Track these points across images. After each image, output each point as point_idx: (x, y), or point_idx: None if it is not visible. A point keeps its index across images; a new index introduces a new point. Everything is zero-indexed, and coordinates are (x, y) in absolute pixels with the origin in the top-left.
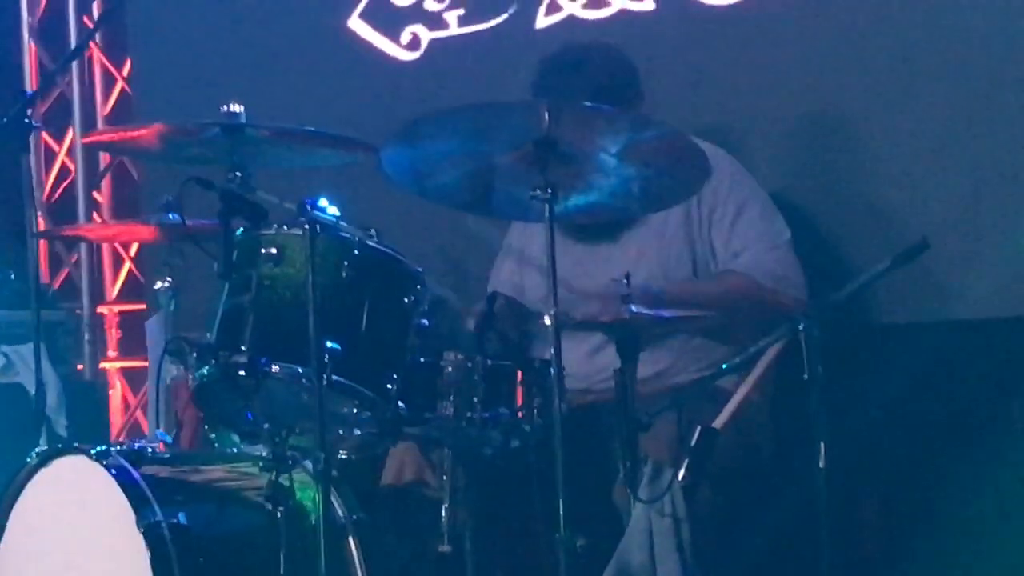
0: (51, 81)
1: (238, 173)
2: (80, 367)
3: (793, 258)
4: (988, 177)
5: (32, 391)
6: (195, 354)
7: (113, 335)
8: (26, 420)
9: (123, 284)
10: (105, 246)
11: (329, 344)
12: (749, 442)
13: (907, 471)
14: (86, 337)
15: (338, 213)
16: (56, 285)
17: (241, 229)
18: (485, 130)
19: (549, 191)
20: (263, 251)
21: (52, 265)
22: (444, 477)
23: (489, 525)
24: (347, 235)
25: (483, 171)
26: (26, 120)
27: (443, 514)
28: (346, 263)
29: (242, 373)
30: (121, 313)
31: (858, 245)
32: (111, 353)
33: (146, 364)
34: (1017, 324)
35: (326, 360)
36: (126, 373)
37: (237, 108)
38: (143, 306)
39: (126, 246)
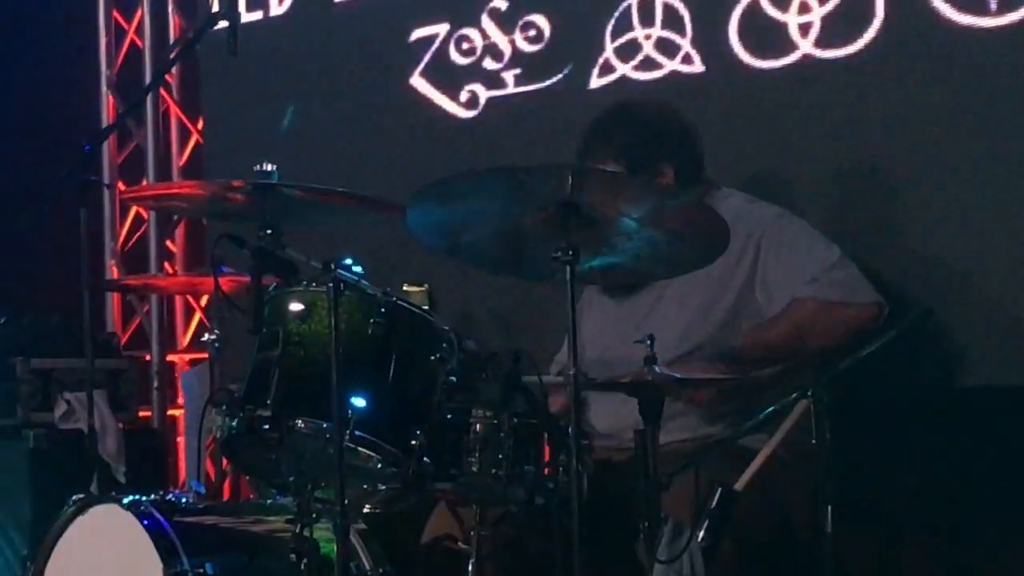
0: (123, 122)
1: (269, 231)
2: (142, 414)
3: (852, 269)
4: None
5: (96, 437)
6: (224, 407)
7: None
8: (86, 465)
9: (194, 333)
10: (178, 296)
11: (354, 400)
12: (776, 504)
13: (916, 537)
14: (155, 385)
15: (361, 271)
16: (128, 334)
17: (273, 285)
18: (512, 192)
19: (571, 253)
20: (291, 307)
21: (125, 314)
22: (471, 533)
23: None
24: (372, 293)
25: (511, 233)
26: (84, 175)
27: (470, 570)
28: (372, 320)
29: (266, 427)
30: (192, 362)
31: (898, 301)
32: (180, 401)
33: None
34: None
35: (349, 416)
36: None
37: (269, 167)
38: None
39: (196, 296)
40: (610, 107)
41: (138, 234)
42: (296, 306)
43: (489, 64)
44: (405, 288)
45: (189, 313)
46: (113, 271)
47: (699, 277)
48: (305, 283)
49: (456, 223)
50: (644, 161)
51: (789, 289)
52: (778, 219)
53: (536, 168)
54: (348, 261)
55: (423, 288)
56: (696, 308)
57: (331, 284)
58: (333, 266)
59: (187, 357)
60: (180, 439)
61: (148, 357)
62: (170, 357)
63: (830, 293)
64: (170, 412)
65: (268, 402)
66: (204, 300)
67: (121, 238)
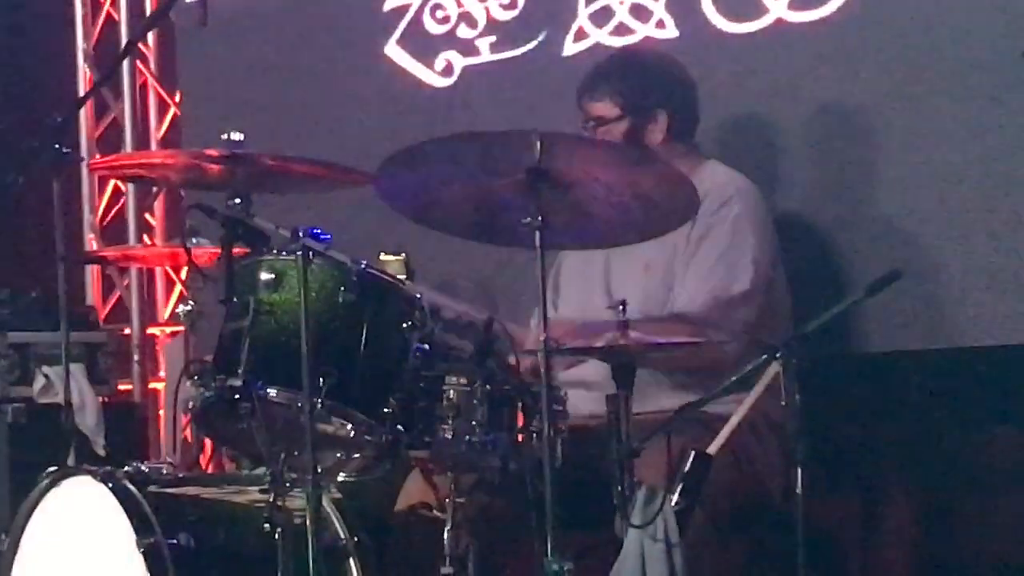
0: (97, 92)
1: (238, 199)
2: (123, 388)
3: (739, 311)
4: (1004, 202)
5: (72, 411)
6: (197, 378)
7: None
8: (63, 439)
9: (175, 306)
10: (159, 268)
11: (325, 369)
12: (750, 469)
13: (890, 497)
14: (135, 358)
15: (330, 239)
16: (108, 307)
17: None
18: (481, 159)
19: (540, 219)
20: (261, 277)
21: (106, 288)
22: (446, 500)
23: (491, 547)
24: (342, 261)
25: (482, 199)
26: (56, 147)
27: (445, 537)
28: (343, 289)
29: (237, 397)
30: (174, 334)
31: (871, 264)
32: (162, 374)
33: None
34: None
35: (320, 384)
36: None
37: (237, 136)
38: None
39: (176, 269)
40: (616, 51)
41: (117, 207)
42: (266, 275)
43: (464, 32)
44: (382, 257)
45: (170, 286)
46: (92, 244)
47: (665, 242)
48: (275, 252)
49: (428, 190)
50: (639, 104)
51: (686, 291)
52: (741, 218)
53: (505, 134)
54: (317, 230)
55: (400, 257)
56: (659, 273)
57: (300, 252)
58: (301, 234)
59: (168, 330)
60: (162, 411)
61: (128, 330)
62: (151, 330)
63: (696, 317)
64: (151, 385)
65: (239, 371)
66: (184, 272)
67: (100, 211)
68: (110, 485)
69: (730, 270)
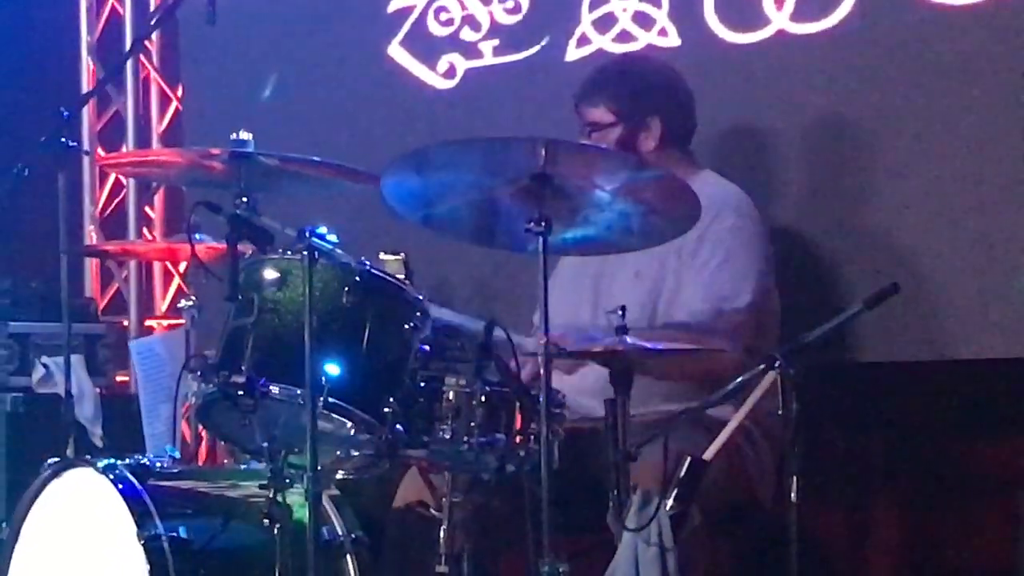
0: (103, 88)
1: (244, 199)
2: (120, 379)
3: (741, 322)
4: (998, 217)
5: (72, 402)
6: (199, 373)
7: None
8: (62, 430)
9: (172, 299)
10: (156, 262)
11: (327, 367)
12: (742, 474)
13: (883, 506)
14: None
15: (336, 240)
16: (106, 299)
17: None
18: (486, 164)
19: (544, 224)
20: (267, 275)
21: (104, 280)
22: (443, 500)
23: (487, 548)
24: (347, 261)
25: (485, 204)
26: (62, 140)
27: (441, 536)
28: (347, 289)
29: (240, 393)
30: (171, 327)
31: (864, 275)
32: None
33: None
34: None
35: (322, 382)
36: None
37: (246, 136)
38: None
39: (175, 262)
40: (614, 57)
41: (117, 200)
42: (271, 274)
43: (467, 35)
44: (381, 257)
45: (167, 279)
46: (92, 237)
47: (654, 252)
48: (280, 251)
49: (431, 193)
50: (633, 111)
51: (687, 301)
52: (736, 230)
53: (510, 140)
54: (323, 230)
55: (399, 257)
56: (647, 282)
57: (305, 252)
58: (307, 234)
59: (165, 322)
60: None
61: (126, 323)
62: (148, 322)
63: (696, 326)
64: None
65: (242, 368)
66: (182, 266)
67: (100, 204)
68: (111, 477)
69: (733, 281)
